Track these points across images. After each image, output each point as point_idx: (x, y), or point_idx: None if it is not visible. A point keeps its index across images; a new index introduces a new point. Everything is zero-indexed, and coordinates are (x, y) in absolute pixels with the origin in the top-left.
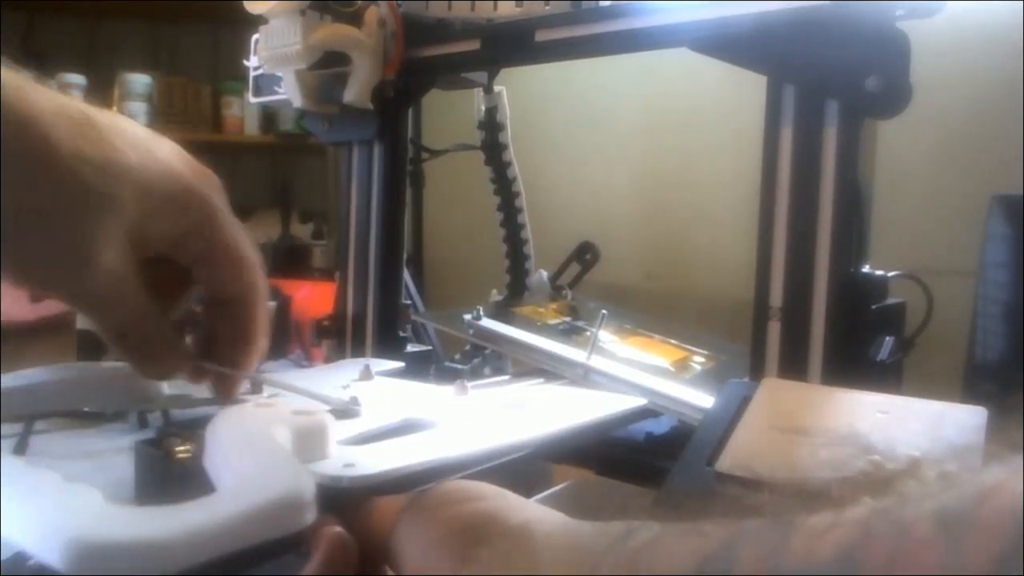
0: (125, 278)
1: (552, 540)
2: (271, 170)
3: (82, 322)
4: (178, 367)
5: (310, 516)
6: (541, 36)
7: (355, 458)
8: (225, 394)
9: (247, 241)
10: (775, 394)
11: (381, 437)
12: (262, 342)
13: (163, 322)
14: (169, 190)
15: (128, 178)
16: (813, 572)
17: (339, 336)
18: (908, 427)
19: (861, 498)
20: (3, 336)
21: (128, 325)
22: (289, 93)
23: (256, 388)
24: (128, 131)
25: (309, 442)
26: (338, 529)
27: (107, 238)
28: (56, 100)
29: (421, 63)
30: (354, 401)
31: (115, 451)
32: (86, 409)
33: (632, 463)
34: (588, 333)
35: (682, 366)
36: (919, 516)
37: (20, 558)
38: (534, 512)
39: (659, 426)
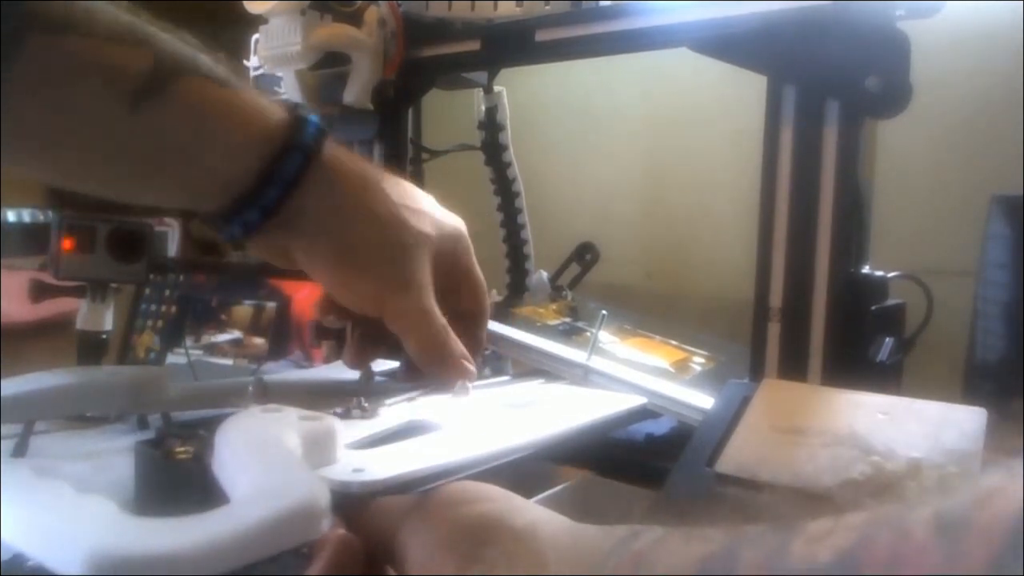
0: (433, 297)
1: (557, 542)
2: None
3: (82, 323)
4: (462, 376)
5: (326, 524)
6: (541, 36)
7: (363, 463)
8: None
9: (479, 272)
10: (775, 395)
11: (386, 440)
12: (480, 352)
13: (456, 339)
14: (448, 231)
15: (427, 221)
16: (813, 573)
17: (339, 337)
18: (908, 428)
19: (862, 500)
20: (3, 336)
21: (436, 337)
22: (289, 93)
23: (259, 395)
24: (408, 189)
25: (318, 447)
26: (342, 531)
27: (424, 265)
28: (369, 168)
29: (421, 63)
30: (359, 403)
31: (115, 451)
32: (87, 414)
33: (632, 464)
34: (588, 334)
35: (682, 367)
36: (918, 521)
37: (20, 559)
38: (539, 514)
39: (659, 427)
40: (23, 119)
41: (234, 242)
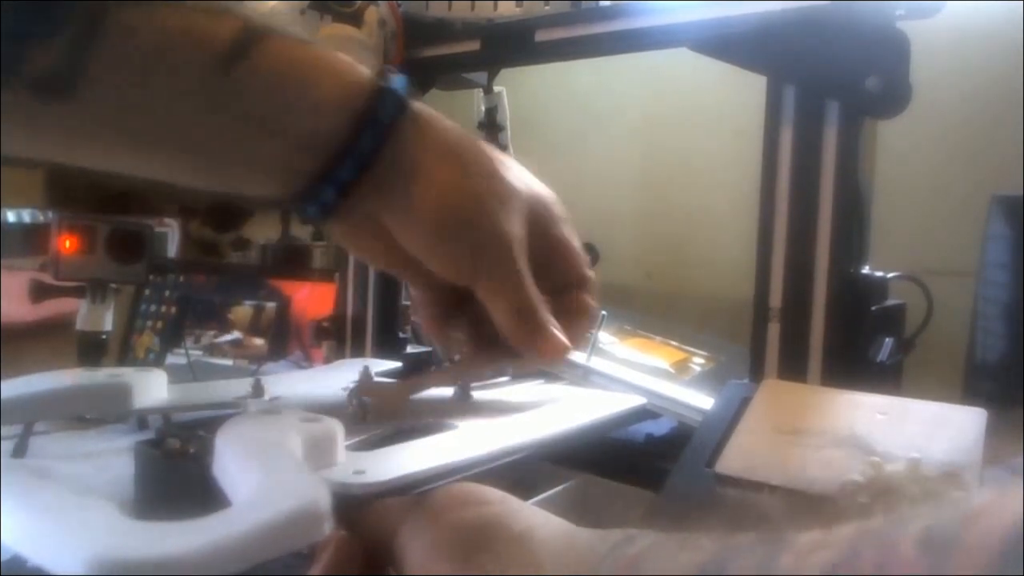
0: (527, 259)
1: (553, 546)
2: None
3: (82, 323)
4: (561, 351)
5: (327, 527)
6: (541, 36)
7: (364, 464)
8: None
9: (575, 241)
10: (775, 395)
11: (387, 441)
12: (589, 324)
13: (546, 310)
14: (540, 192)
15: (519, 177)
16: None
17: (339, 337)
18: (908, 428)
19: (861, 500)
20: (3, 337)
21: (532, 300)
22: None
23: (257, 395)
24: (503, 157)
25: (319, 449)
26: (342, 532)
27: (520, 219)
28: (465, 135)
29: (421, 63)
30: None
31: (115, 451)
32: (87, 416)
33: (632, 464)
34: (588, 334)
35: (682, 367)
36: (905, 536)
37: (19, 559)
38: (536, 518)
39: (659, 427)
40: (112, 101)
41: (323, 216)
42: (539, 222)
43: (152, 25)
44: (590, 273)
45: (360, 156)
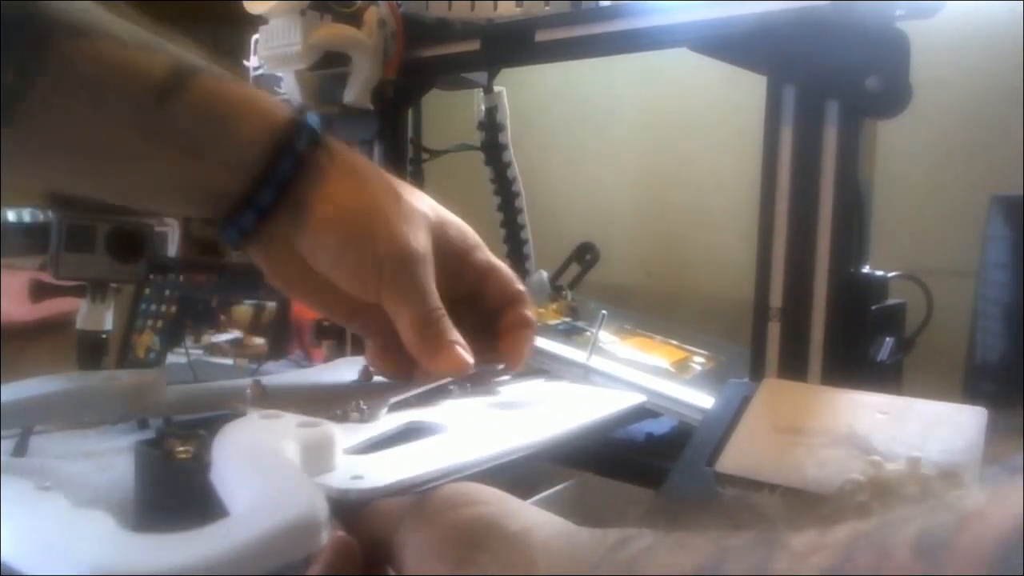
0: (433, 276)
1: (549, 546)
2: None
3: (82, 323)
4: (460, 367)
5: (325, 536)
6: (541, 36)
7: (362, 469)
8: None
9: (498, 261)
10: (775, 395)
11: (385, 444)
12: (532, 334)
13: (451, 325)
14: (448, 219)
15: (425, 203)
16: None
17: (339, 336)
18: (908, 428)
19: (861, 500)
20: (3, 337)
21: (434, 313)
22: (289, 93)
23: (257, 397)
24: (411, 187)
25: (316, 455)
26: (340, 533)
27: (422, 236)
28: (372, 164)
29: (421, 63)
30: (357, 406)
31: (115, 451)
32: (86, 419)
33: (632, 463)
34: (588, 333)
35: (682, 366)
36: (899, 541)
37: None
38: (534, 518)
39: (659, 426)
40: (51, 127)
41: (243, 240)
42: (456, 249)
43: (91, 58)
44: (522, 287)
45: (278, 182)
